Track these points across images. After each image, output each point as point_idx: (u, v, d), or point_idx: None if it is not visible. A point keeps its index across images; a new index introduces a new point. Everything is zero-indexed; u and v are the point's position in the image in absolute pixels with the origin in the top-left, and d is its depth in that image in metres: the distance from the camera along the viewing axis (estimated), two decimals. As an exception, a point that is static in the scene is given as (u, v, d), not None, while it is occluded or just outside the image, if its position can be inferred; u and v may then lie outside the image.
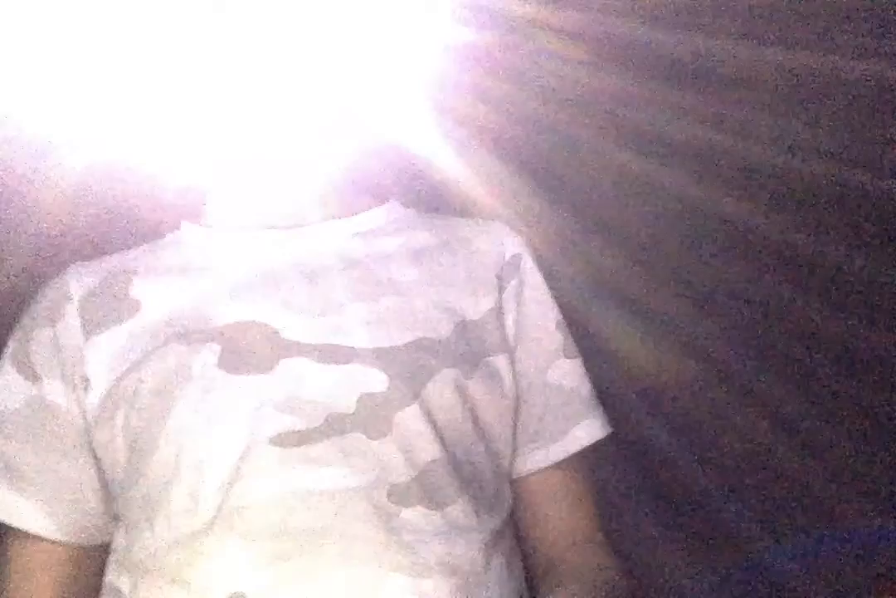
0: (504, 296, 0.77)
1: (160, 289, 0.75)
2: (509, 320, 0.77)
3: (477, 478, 0.70)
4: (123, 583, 0.68)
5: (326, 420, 0.66)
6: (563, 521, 0.76)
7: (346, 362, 0.69)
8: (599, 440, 0.78)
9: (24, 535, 0.71)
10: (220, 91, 0.75)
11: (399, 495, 0.65)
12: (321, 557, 0.63)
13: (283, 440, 0.66)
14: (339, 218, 0.79)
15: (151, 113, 0.79)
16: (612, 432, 0.79)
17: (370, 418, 0.67)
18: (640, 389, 1.06)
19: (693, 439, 1.16)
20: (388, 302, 0.73)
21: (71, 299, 0.75)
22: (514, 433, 0.75)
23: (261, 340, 0.70)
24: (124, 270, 0.77)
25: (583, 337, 0.81)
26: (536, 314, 0.79)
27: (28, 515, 0.71)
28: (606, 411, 0.80)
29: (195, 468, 0.66)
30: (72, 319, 0.73)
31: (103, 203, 0.93)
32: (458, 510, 0.67)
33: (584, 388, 0.79)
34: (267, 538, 0.64)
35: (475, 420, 0.71)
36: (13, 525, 0.71)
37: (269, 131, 0.75)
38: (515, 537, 0.75)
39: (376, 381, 0.68)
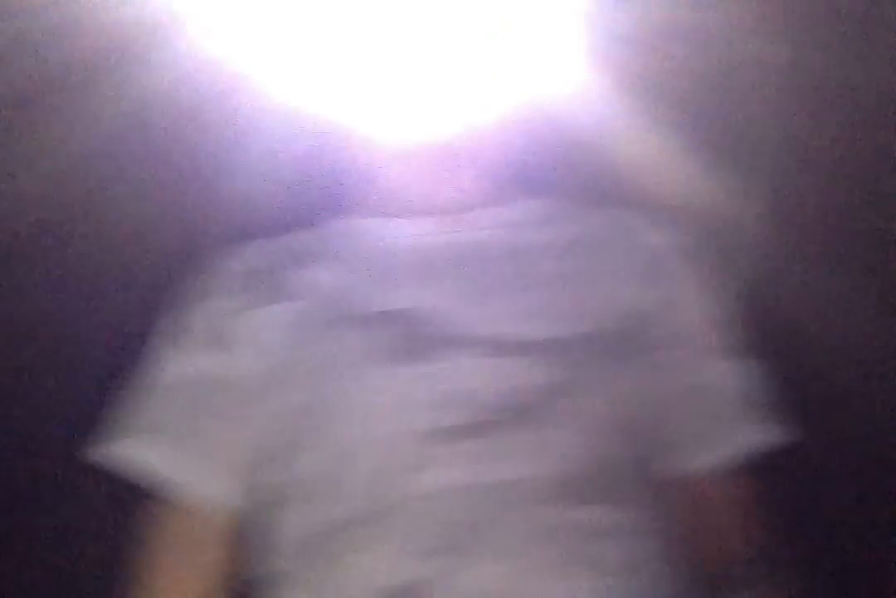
0: (662, 289, 0.74)
1: (322, 274, 0.75)
2: (672, 315, 0.74)
3: (640, 478, 0.67)
4: (278, 565, 0.68)
5: (490, 414, 0.65)
6: (718, 533, 0.72)
7: (511, 355, 0.67)
8: (773, 449, 0.73)
9: (187, 502, 0.72)
10: (384, 77, 0.75)
11: (563, 492, 0.63)
12: (484, 550, 0.61)
13: (444, 435, 0.64)
14: (500, 206, 0.78)
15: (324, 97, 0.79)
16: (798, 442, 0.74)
17: (535, 412, 0.65)
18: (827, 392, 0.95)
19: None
20: (551, 294, 0.71)
21: (238, 274, 0.77)
22: (677, 435, 0.72)
23: (422, 328, 0.69)
24: (289, 254, 0.78)
25: (769, 336, 0.77)
26: (698, 311, 0.75)
27: (195, 480, 0.72)
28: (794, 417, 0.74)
29: (355, 455, 0.65)
30: (238, 293, 0.75)
31: (272, 189, 0.94)
32: (621, 509, 0.65)
33: (749, 390, 0.74)
34: (431, 529, 0.62)
35: (637, 418, 0.68)
36: (183, 490, 0.72)
37: (434, 118, 0.74)
38: (679, 543, 0.70)
39: (540, 374, 0.66)
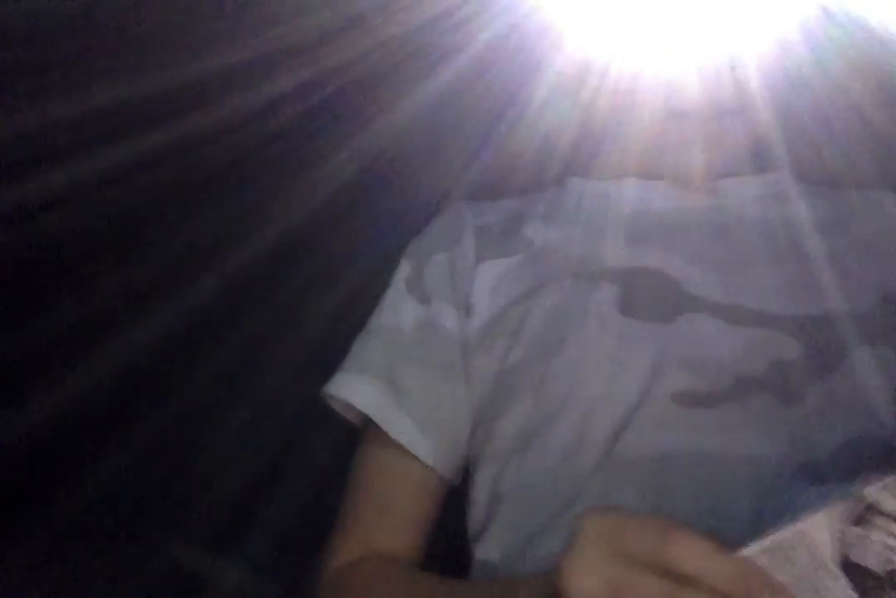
0: None
1: (553, 231, 0.74)
2: None
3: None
4: (483, 518, 0.66)
5: (735, 384, 0.61)
6: None
7: (756, 326, 0.64)
8: None
9: (399, 448, 0.70)
10: (654, 34, 0.71)
11: (811, 472, 0.58)
12: (729, 518, 0.56)
13: (686, 399, 0.61)
14: (753, 176, 0.75)
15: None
16: None
17: (783, 385, 0.61)
18: None
19: None
20: (803, 268, 0.68)
21: (467, 227, 0.76)
22: None
23: (661, 289, 0.67)
24: (519, 212, 0.77)
25: None
26: None
27: (406, 431, 0.70)
28: None
29: (586, 408, 0.63)
30: (468, 245, 0.75)
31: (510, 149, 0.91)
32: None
33: None
34: (667, 491, 0.58)
35: None
36: (400, 441, 0.70)
37: (684, 85, 0.70)
38: None
39: (789, 348, 0.63)
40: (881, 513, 0.37)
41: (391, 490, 0.71)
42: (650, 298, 0.66)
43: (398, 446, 0.70)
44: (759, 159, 0.77)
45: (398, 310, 0.75)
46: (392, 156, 0.92)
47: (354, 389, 0.72)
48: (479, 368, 0.69)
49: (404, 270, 0.77)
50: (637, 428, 0.61)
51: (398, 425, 0.70)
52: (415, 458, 0.70)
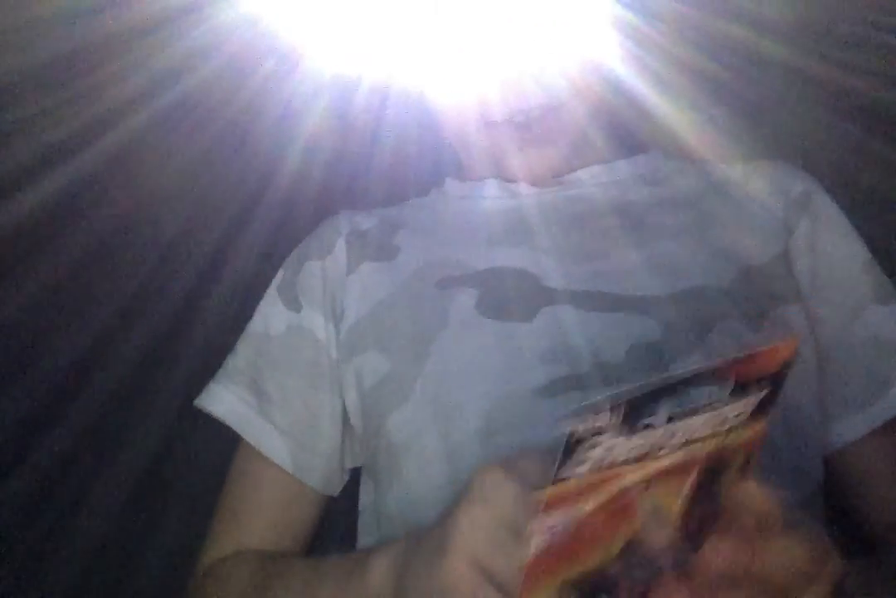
0: (794, 239, 0.70)
1: (420, 237, 0.74)
2: (802, 266, 0.69)
3: (772, 448, 0.60)
4: (372, 541, 0.67)
5: (593, 369, 0.61)
6: (890, 498, 0.66)
7: (616, 311, 0.63)
8: None
9: (263, 457, 0.71)
10: (471, 42, 0.72)
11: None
12: None
13: (550, 390, 0.61)
14: (601, 165, 0.75)
15: (416, 67, 0.77)
16: None
17: (644, 369, 0.60)
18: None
19: None
20: (659, 248, 0.67)
21: (341, 235, 0.76)
22: (821, 398, 0.67)
23: (520, 286, 0.67)
24: (391, 222, 0.77)
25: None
26: (836, 257, 0.70)
27: (269, 440, 0.71)
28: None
29: (452, 415, 0.62)
30: (340, 253, 0.75)
31: (368, 161, 0.94)
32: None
33: None
34: None
35: None
36: (253, 446, 0.71)
37: (521, 81, 0.71)
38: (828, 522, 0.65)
39: (649, 330, 0.62)
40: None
41: (256, 496, 0.71)
42: (510, 297, 0.66)
43: (262, 455, 0.71)
44: (618, 145, 0.78)
45: (268, 317, 0.75)
46: (282, 168, 0.93)
47: (217, 398, 0.73)
48: (349, 378, 0.70)
49: (278, 278, 0.77)
50: (504, 428, 0.60)
51: (258, 433, 0.71)
52: (276, 464, 0.71)
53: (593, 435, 0.37)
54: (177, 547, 0.81)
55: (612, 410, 0.37)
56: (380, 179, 0.89)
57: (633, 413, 0.37)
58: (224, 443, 0.75)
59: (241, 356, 0.75)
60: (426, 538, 0.49)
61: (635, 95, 0.77)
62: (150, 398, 0.91)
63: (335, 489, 0.74)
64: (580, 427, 0.37)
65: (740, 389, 0.39)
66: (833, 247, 0.70)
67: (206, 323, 0.93)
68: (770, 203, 0.71)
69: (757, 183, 0.73)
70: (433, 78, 0.75)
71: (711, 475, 0.41)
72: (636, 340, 0.62)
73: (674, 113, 0.78)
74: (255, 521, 0.70)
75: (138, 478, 0.88)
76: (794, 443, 0.63)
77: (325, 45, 0.82)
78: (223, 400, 0.73)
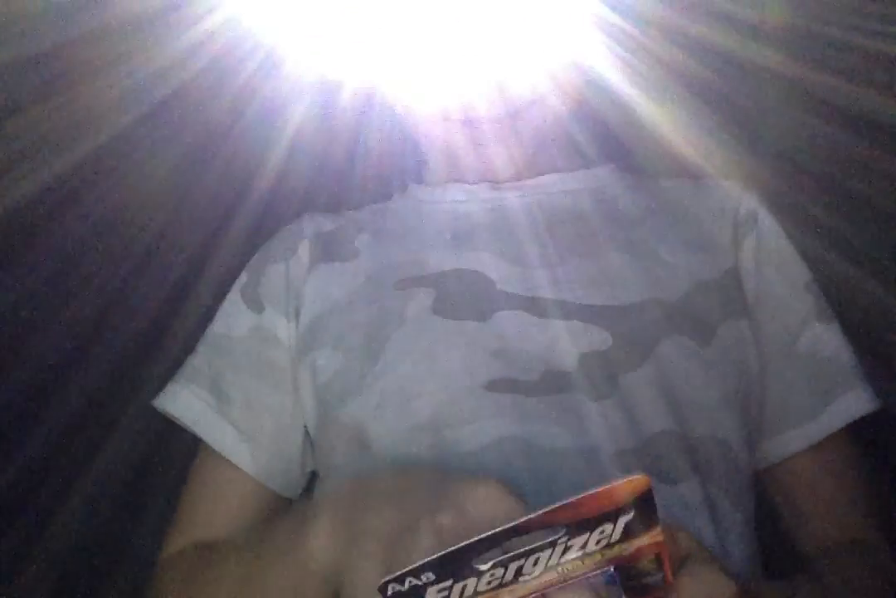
0: (741, 255, 0.71)
1: (380, 242, 0.75)
2: (748, 283, 0.70)
3: (711, 460, 0.62)
4: None
5: (543, 376, 0.62)
6: (825, 516, 0.67)
7: (568, 318, 0.64)
8: (869, 417, 0.69)
9: (221, 457, 0.71)
10: (430, 45, 0.72)
11: (622, 463, 0.59)
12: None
13: (497, 386, 0.62)
14: (564, 173, 0.76)
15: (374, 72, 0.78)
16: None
17: (592, 378, 0.62)
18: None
19: None
20: (613, 260, 0.68)
21: (304, 237, 0.77)
22: (762, 413, 0.68)
23: (476, 289, 0.68)
24: (353, 224, 0.78)
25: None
26: (779, 275, 0.71)
27: (228, 440, 0.70)
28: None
29: (402, 409, 0.63)
30: (303, 254, 0.75)
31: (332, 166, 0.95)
32: (691, 489, 0.60)
33: (844, 356, 0.69)
34: None
35: (710, 394, 0.64)
36: (213, 448, 0.71)
37: (479, 88, 0.71)
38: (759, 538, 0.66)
39: (599, 340, 0.63)
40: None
41: (214, 497, 0.71)
42: (465, 298, 0.67)
43: (224, 458, 0.70)
44: (585, 155, 0.78)
45: (231, 319, 0.75)
46: (264, 170, 0.93)
47: (176, 399, 0.72)
48: (304, 375, 0.70)
49: (241, 280, 0.77)
50: (454, 422, 0.61)
51: (216, 433, 0.70)
52: (234, 466, 0.70)
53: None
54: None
55: (425, 571, 0.37)
56: (362, 181, 0.89)
57: (453, 567, 0.37)
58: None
59: (202, 357, 0.75)
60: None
61: (618, 98, 0.77)
62: (126, 403, 0.91)
63: (295, 492, 0.74)
64: (397, 589, 0.37)
65: (586, 524, 0.38)
66: (777, 266, 0.72)
67: (187, 325, 0.93)
68: (719, 220, 0.73)
69: (706, 201, 0.75)
70: (397, 73, 0.75)
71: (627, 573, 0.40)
72: (587, 348, 0.63)
73: (656, 116, 0.79)
74: (213, 521, 0.70)
75: (111, 487, 0.88)
76: (734, 454, 0.64)
77: (306, 47, 0.82)
78: (181, 400, 0.72)
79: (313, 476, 0.74)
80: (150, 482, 0.90)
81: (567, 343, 0.63)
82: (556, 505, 0.37)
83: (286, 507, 0.72)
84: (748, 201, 0.74)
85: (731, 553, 0.60)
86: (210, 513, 0.70)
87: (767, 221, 0.74)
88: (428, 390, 0.63)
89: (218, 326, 0.76)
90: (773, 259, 0.72)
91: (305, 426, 0.72)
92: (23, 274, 0.93)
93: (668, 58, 0.85)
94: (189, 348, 0.78)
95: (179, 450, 0.76)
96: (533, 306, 0.65)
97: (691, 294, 0.67)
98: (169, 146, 0.97)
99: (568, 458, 0.59)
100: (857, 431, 0.69)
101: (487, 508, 0.44)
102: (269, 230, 0.83)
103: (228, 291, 0.78)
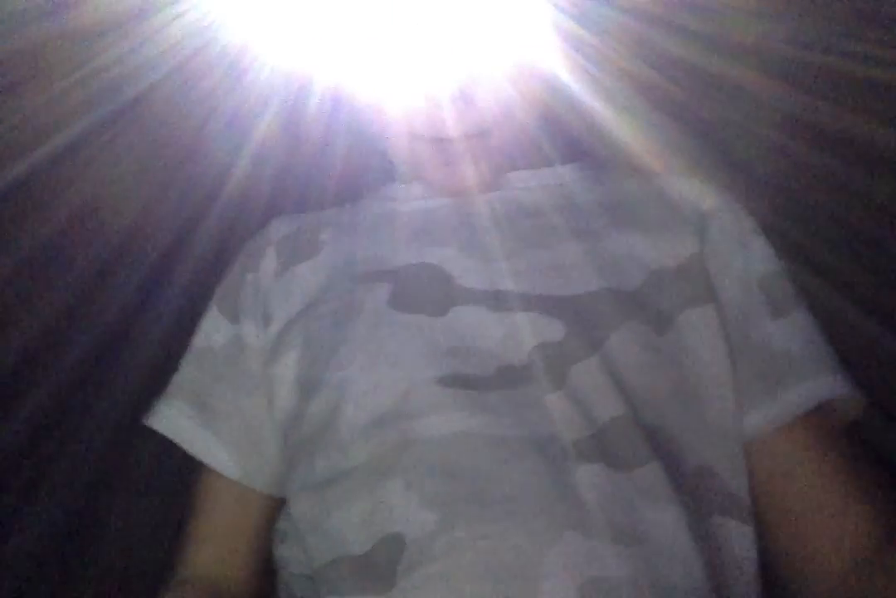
0: (704, 246, 0.71)
1: (343, 238, 0.76)
2: (711, 272, 0.70)
3: (673, 444, 0.63)
4: (285, 525, 0.69)
5: (498, 371, 0.63)
6: (802, 490, 0.64)
7: (521, 310, 0.65)
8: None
9: (213, 471, 0.73)
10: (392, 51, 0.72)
11: (576, 452, 0.60)
12: (487, 504, 0.58)
13: (452, 381, 0.63)
14: (534, 169, 0.77)
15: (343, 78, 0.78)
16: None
17: (544, 370, 0.62)
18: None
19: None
20: (569, 249, 0.69)
21: (271, 243, 0.78)
22: (726, 395, 0.67)
23: (434, 284, 0.68)
24: (318, 222, 0.79)
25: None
26: (736, 268, 0.71)
27: (214, 451, 0.72)
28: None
29: (357, 403, 0.64)
30: (270, 259, 0.76)
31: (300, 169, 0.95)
32: (650, 475, 0.60)
33: (806, 349, 0.68)
34: (430, 478, 0.60)
35: (670, 381, 0.64)
36: (203, 461, 0.73)
37: (447, 105, 0.71)
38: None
39: (552, 330, 0.64)
40: None
41: (209, 507, 0.73)
42: (423, 292, 0.68)
43: (211, 469, 0.72)
44: (550, 161, 0.79)
45: (211, 331, 0.76)
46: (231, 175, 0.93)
47: (162, 415, 0.74)
48: (277, 378, 0.70)
49: (219, 292, 0.78)
50: (409, 415, 0.62)
51: (201, 444, 0.72)
52: (222, 474, 0.72)
53: None
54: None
55: None
56: (331, 184, 0.89)
57: None
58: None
59: (185, 372, 0.76)
60: None
61: (582, 109, 0.77)
62: (88, 409, 0.90)
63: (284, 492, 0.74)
64: None
65: None
66: (734, 258, 0.71)
67: (152, 328, 0.93)
68: (685, 210, 0.73)
69: (674, 191, 0.75)
70: (366, 86, 0.76)
71: None
72: (541, 340, 0.64)
73: (617, 125, 0.79)
74: (209, 530, 0.72)
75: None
76: (698, 438, 0.64)
77: (274, 51, 0.83)
78: (165, 416, 0.74)
79: None
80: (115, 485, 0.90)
81: (522, 336, 0.64)
82: None
83: (279, 506, 0.73)
84: (713, 195, 0.75)
85: (689, 541, 0.59)
86: (205, 523, 0.73)
87: (730, 215, 0.74)
88: (383, 383, 0.64)
89: (199, 339, 0.77)
90: (730, 252, 0.72)
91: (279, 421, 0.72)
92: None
93: (631, 68, 0.87)
94: (150, 349, 0.78)
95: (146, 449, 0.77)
96: (490, 300, 0.66)
97: (648, 283, 0.67)
98: (134, 150, 0.97)
99: (523, 450, 0.60)
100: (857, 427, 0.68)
101: None
102: (237, 235, 0.83)
103: (194, 295, 0.80)
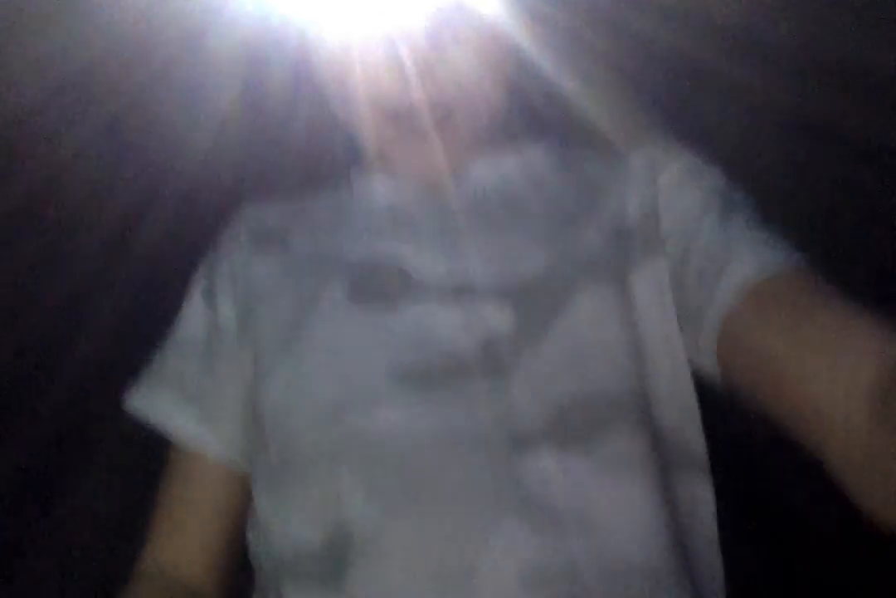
0: (660, 195, 0.70)
1: (309, 232, 0.76)
2: (665, 217, 0.69)
3: (631, 409, 0.62)
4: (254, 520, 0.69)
5: (448, 365, 0.63)
6: (798, 340, 0.57)
7: (473, 303, 0.66)
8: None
9: (190, 452, 0.73)
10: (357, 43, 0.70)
11: (527, 441, 0.60)
12: (434, 495, 0.59)
13: (403, 375, 0.63)
14: (480, 159, 0.75)
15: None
16: None
17: (495, 362, 0.63)
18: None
19: None
20: (527, 234, 0.69)
21: (243, 231, 0.78)
22: (677, 350, 0.64)
23: (391, 278, 0.69)
24: (284, 213, 0.79)
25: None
26: (686, 192, 0.69)
27: (199, 435, 0.72)
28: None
29: (309, 393, 0.65)
30: (244, 247, 0.76)
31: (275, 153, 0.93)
32: (610, 447, 0.60)
33: (759, 233, 0.64)
34: (376, 472, 0.61)
35: (623, 344, 0.63)
36: (189, 446, 0.72)
37: (412, 81, 0.69)
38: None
39: (502, 320, 0.64)
40: None
41: (187, 493, 0.72)
42: (379, 286, 0.68)
43: (192, 452, 0.72)
44: (516, 138, 0.78)
45: (191, 318, 0.77)
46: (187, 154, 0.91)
47: (146, 400, 0.74)
48: (242, 366, 0.71)
49: (201, 281, 0.78)
50: (360, 408, 0.63)
51: (179, 421, 0.72)
52: (216, 463, 0.72)
53: None
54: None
55: None
56: (291, 167, 0.87)
57: None
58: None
59: (165, 354, 0.76)
60: None
61: (548, 84, 0.77)
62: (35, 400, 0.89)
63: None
64: None
65: None
66: (685, 186, 0.70)
67: (104, 312, 0.90)
68: (638, 169, 0.72)
69: (634, 168, 0.73)
70: (327, 53, 0.73)
71: None
72: (490, 333, 0.64)
73: (582, 99, 0.79)
74: (182, 519, 0.72)
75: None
76: (665, 397, 0.63)
77: (234, 22, 0.80)
78: (150, 401, 0.74)
79: None
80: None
81: (471, 330, 0.64)
82: None
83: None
84: (663, 147, 0.73)
85: (653, 518, 0.59)
86: (187, 514, 0.72)
87: (680, 157, 0.72)
88: (331, 376, 0.65)
89: (181, 326, 0.77)
90: (681, 185, 0.70)
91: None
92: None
93: (598, 44, 0.86)
94: (100, 334, 0.76)
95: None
96: (445, 294, 0.67)
97: (603, 245, 0.67)
98: (85, 125, 0.94)
99: (471, 443, 0.60)
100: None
101: None
102: (196, 215, 0.82)
103: (150, 278, 0.78)
